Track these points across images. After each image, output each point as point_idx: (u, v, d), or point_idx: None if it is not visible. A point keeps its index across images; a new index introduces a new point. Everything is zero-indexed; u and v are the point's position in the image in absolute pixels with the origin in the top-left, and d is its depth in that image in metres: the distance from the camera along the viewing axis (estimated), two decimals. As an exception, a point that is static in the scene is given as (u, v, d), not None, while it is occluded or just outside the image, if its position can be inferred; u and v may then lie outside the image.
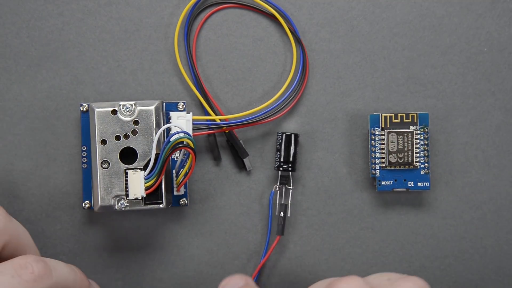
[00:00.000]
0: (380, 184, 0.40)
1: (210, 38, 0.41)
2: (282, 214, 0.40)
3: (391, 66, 0.41)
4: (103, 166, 0.37)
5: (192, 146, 0.36)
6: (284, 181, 0.40)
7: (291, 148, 0.40)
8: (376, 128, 0.40)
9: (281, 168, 0.40)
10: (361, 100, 0.41)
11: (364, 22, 0.41)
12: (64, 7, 0.41)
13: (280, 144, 0.40)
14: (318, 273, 0.41)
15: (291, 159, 0.40)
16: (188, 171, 0.38)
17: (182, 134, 0.36)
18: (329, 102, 0.41)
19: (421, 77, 0.41)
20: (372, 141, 0.40)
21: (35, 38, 0.41)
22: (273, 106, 0.40)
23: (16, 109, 0.41)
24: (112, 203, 0.37)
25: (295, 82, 0.41)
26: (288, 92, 0.40)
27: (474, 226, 0.41)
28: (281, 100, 0.40)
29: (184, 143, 0.36)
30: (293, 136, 0.40)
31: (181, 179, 0.38)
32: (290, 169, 0.40)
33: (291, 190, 0.40)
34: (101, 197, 0.37)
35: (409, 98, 0.41)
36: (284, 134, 0.40)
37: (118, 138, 0.37)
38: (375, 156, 0.40)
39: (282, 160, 0.40)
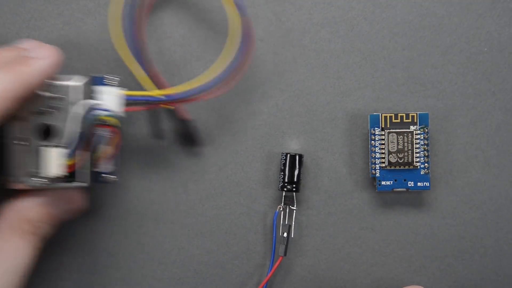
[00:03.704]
0: (380, 184, 0.40)
1: (210, 38, 0.41)
2: (285, 234, 0.40)
3: (391, 66, 0.41)
4: (21, 142, 0.35)
5: (115, 123, 0.35)
6: (288, 201, 0.40)
7: (295, 169, 0.40)
8: (376, 128, 0.40)
9: (285, 189, 0.40)
10: (361, 100, 0.41)
11: (364, 22, 0.41)
12: (64, 7, 0.41)
13: (284, 165, 0.40)
14: (318, 272, 0.41)
15: (295, 179, 0.40)
16: (114, 148, 0.36)
17: (104, 112, 0.35)
18: (329, 102, 0.41)
19: (421, 77, 0.41)
20: (372, 141, 0.40)
21: (35, 38, 0.41)
22: (214, 81, 0.38)
23: (16, 109, 0.41)
24: (26, 180, 0.35)
25: (237, 55, 0.38)
26: (230, 66, 0.38)
27: (474, 226, 0.41)
28: (222, 75, 0.38)
29: (106, 121, 0.35)
30: (297, 157, 0.40)
31: (104, 154, 0.36)
32: (294, 189, 0.40)
33: (294, 211, 0.41)
34: (16, 174, 0.35)
35: (409, 98, 0.41)
36: (288, 155, 0.40)
37: (38, 113, 0.35)
38: (375, 156, 0.40)
39: (286, 180, 0.40)
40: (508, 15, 0.41)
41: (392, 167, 0.40)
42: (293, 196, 0.40)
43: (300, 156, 0.40)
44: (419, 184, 0.40)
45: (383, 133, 0.40)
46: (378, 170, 0.40)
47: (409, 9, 0.41)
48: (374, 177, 0.40)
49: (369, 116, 0.40)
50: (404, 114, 0.40)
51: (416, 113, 0.40)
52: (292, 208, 0.40)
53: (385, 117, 0.40)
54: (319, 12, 0.41)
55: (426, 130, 0.40)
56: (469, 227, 0.41)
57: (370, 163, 0.40)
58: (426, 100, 0.41)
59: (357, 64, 0.41)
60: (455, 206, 0.41)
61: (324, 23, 0.41)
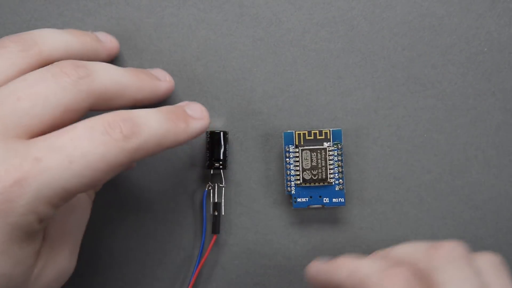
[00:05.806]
0: (296, 201, 0.40)
1: (210, 38, 0.41)
2: (216, 212, 0.40)
3: (391, 66, 0.41)
4: None
5: None
6: (216, 179, 0.40)
7: (221, 146, 0.40)
8: (290, 146, 0.40)
9: (212, 167, 0.40)
10: (361, 100, 0.41)
11: (364, 22, 0.41)
12: (64, 7, 0.41)
13: (209, 143, 0.40)
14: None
15: (221, 157, 0.40)
16: None
17: None
18: (329, 102, 0.41)
19: (421, 77, 0.41)
20: (287, 159, 0.40)
21: (35, 38, 0.41)
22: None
23: (16, 109, 0.41)
24: None
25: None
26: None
27: (474, 226, 0.41)
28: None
29: None
30: (222, 134, 0.40)
31: None
32: (221, 167, 0.40)
33: (223, 188, 0.41)
34: None
35: (409, 98, 0.41)
36: (211, 132, 0.40)
37: None
38: (290, 174, 0.40)
39: (213, 158, 0.40)
40: (508, 15, 0.41)
41: (307, 184, 0.39)
42: (220, 174, 0.40)
43: (225, 133, 0.40)
44: (334, 200, 0.40)
45: (297, 150, 0.39)
46: (294, 188, 0.40)
47: (409, 9, 0.41)
48: (290, 194, 0.40)
49: (283, 133, 0.40)
50: (317, 131, 0.40)
51: (330, 130, 0.40)
52: (221, 185, 0.40)
53: (299, 134, 0.40)
54: (319, 12, 0.41)
55: (340, 146, 0.39)
56: (469, 227, 0.41)
57: (285, 180, 0.40)
58: (426, 100, 0.41)
59: (357, 64, 0.41)
60: (455, 206, 0.41)
61: (324, 23, 0.41)
